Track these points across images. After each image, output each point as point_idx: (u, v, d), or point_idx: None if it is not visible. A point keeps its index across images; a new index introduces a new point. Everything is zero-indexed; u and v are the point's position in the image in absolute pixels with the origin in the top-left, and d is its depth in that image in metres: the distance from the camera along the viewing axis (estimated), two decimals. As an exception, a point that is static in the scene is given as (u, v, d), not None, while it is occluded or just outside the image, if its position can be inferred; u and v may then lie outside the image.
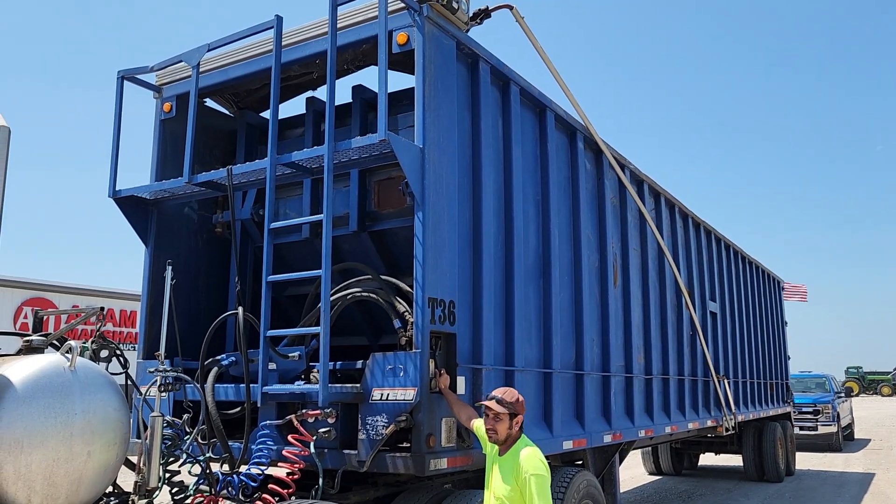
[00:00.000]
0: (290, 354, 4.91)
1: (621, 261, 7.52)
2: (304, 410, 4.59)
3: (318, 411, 4.49)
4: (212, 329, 4.99)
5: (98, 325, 4.06)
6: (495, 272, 5.36)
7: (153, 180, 5.93)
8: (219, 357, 5.19)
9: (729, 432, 10.44)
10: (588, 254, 6.75)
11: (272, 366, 4.86)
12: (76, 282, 17.92)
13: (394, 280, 5.22)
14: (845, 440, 20.16)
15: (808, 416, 18.26)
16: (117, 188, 5.69)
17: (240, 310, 4.81)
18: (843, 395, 20.84)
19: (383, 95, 4.54)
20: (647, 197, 8.36)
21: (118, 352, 4.14)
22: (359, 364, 5.19)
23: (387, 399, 4.49)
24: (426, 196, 4.62)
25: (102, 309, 4.22)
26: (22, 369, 3.31)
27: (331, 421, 4.53)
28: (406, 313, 4.87)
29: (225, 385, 5.13)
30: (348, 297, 5.12)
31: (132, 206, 5.81)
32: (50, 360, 3.42)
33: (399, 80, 5.74)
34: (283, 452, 4.38)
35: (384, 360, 4.58)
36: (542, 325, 5.94)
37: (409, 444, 4.57)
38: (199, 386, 4.47)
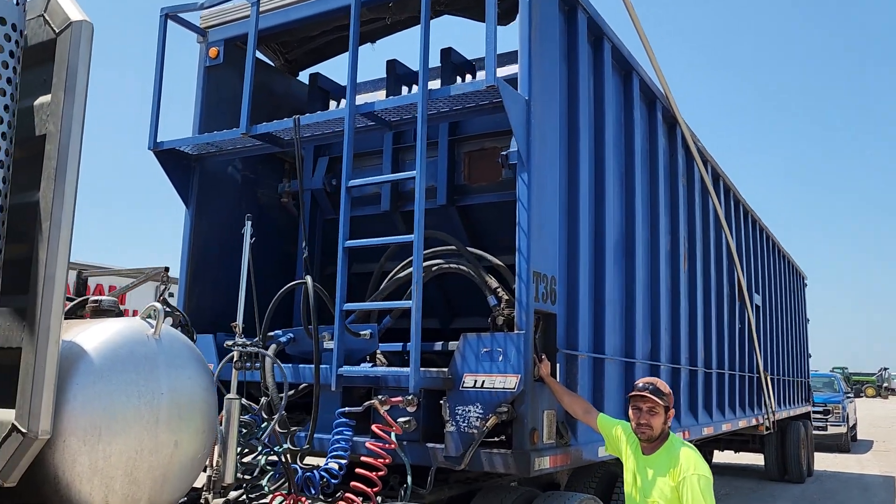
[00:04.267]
0: (360, 332, 4.29)
1: (688, 245, 6.96)
2: (382, 397, 3.98)
3: (399, 398, 3.89)
4: (275, 301, 4.33)
5: (163, 289, 3.41)
6: (589, 248, 4.78)
7: (195, 133, 5.29)
8: (274, 333, 4.57)
9: (768, 431, 9.99)
10: (663, 235, 6.19)
11: (331, 344, 4.25)
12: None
13: (481, 252, 4.61)
14: (850, 441, 19.86)
15: (819, 416, 17.88)
16: (158, 140, 5.04)
17: (308, 279, 4.18)
18: (851, 395, 20.55)
19: (492, 36, 3.92)
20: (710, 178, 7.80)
21: (184, 320, 3.49)
22: (437, 346, 4.60)
23: (482, 387, 3.89)
24: (532, 155, 4.02)
25: (167, 269, 3.59)
26: (96, 335, 2.64)
27: (411, 410, 3.93)
28: (499, 289, 4.28)
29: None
30: (433, 268, 4.49)
31: (173, 160, 5.15)
32: (130, 324, 2.74)
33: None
34: (367, 445, 3.77)
35: (479, 342, 3.97)
36: (625, 309, 5.37)
37: (501, 439, 4.00)
38: (280, 364, 3.85)
